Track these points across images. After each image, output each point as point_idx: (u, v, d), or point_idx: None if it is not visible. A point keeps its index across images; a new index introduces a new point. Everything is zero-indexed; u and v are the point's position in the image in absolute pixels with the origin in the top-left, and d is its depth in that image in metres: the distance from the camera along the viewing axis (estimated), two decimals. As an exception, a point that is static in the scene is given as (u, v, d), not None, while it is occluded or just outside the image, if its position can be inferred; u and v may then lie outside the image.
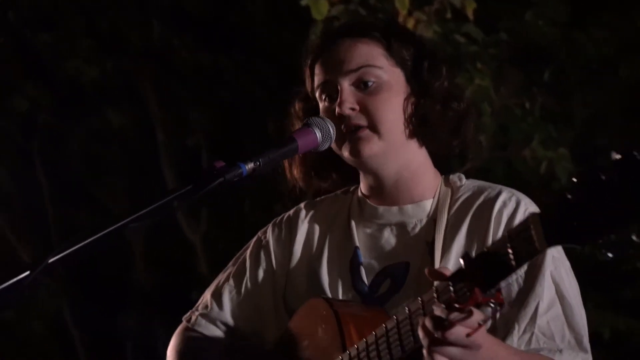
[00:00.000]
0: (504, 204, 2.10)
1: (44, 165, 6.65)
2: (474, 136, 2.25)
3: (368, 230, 2.20)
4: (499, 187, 2.16)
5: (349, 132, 2.14)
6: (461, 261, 1.74)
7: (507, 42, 5.36)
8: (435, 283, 1.82)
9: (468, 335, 1.74)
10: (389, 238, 2.18)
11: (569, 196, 1.56)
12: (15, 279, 1.74)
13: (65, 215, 6.80)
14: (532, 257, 1.65)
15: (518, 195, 2.13)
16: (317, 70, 2.22)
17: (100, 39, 6.41)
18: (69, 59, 6.26)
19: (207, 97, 6.86)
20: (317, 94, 2.22)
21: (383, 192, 2.20)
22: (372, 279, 2.15)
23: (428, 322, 1.78)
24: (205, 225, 6.93)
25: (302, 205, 2.33)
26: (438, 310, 1.76)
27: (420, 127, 2.15)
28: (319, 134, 2.13)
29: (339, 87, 2.16)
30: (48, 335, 7.32)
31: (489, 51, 5.20)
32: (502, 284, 1.73)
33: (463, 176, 2.22)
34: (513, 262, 1.67)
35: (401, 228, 2.17)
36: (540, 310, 2.02)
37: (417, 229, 2.16)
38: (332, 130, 2.14)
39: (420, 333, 1.80)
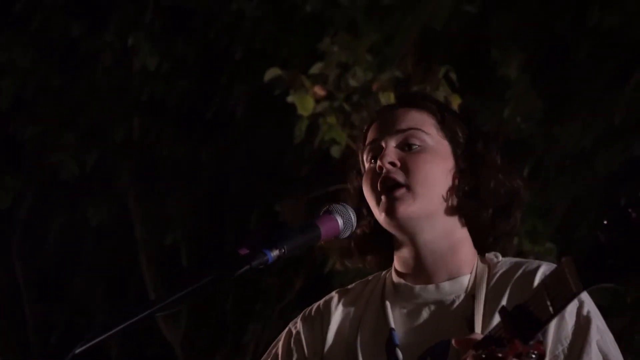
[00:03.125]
0: (544, 274, 2.07)
1: (21, 261, 6.56)
2: (517, 222, 2.19)
3: (404, 311, 2.17)
4: (537, 261, 2.14)
5: (384, 190, 2.12)
6: (498, 315, 1.74)
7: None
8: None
9: None
10: (426, 317, 2.14)
11: (601, 237, 1.57)
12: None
13: (42, 313, 6.68)
14: (569, 301, 1.64)
15: None
16: (369, 135, 2.23)
17: (80, 133, 6.43)
18: (52, 153, 6.25)
19: (187, 192, 6.85)
20: (364, 157, 2.22)
21: (418, 266, 2.17)
22: None
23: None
24: (184, 325, 6.83)
25: (333, 292, 2.31)
26: (476, 355, 1.75)
27: (465, 200, 2.13)
28: (340, 222, 2.12)
29: (383, 145, 2.17)
30: None
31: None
32: (542, 337, 1.74)
33: (499, 254, 2.20)
34: (550, 309, 1.66)
35: (439, 306, 2.13)
36: None
37: (455, 306, 2.12)
38: (353, 218, 2.13)
39: None
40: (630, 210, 1.54)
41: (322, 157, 5.76)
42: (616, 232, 1.55)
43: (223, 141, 6.70)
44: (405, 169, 2.12)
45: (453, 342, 1.79)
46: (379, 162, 2.13)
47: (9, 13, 6.38)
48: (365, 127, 2.26)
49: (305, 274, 6.22)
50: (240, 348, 6.45)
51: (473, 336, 1.79)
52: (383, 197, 2.12)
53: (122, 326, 1.79)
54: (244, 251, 1.97)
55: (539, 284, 1.69)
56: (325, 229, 2.10)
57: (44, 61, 6.44)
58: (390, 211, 2.11)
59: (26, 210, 6.55)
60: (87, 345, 1.75)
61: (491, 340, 1.74)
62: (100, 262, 6.90)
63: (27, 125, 6.40)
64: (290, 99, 4.97)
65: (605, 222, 1.56)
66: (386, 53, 5.61)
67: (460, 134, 2.19)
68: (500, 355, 1.71)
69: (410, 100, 2.25)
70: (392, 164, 2.13)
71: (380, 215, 2.14)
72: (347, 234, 2.14)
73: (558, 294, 1.65)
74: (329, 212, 2.13)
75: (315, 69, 5.02)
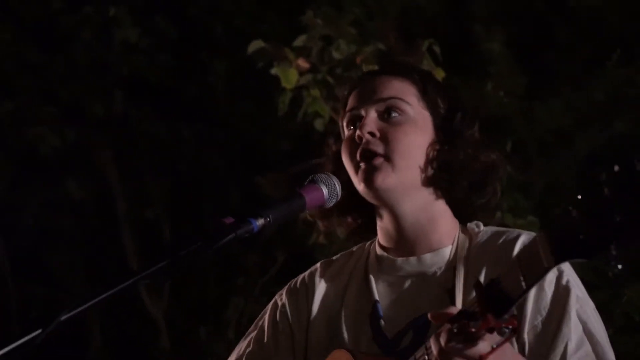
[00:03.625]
0: (523, 244, 2.08)
1: (2, 237, 6.52)
2: (496, 196, 2.20)
3: (388, 283, 2.18)
4: (517, 230, 2.15)
5: (363, 159, 2.12)
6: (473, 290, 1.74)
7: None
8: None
9: (482, 357, 1.73)
10: (409, 289, 2.15)
11: (574, 212, 1.57)
12: (27, 337, 1.69)
13: (22, 289, 6.65)
14: (542, 277, 1.65)
15: None
16: (349, 101, 2.22)
17: (61, 107, 6.38)
18: (30, 127, 6.20)
19: (168, 169, 6.83)
20: (344, 124, 2.21)
21: (400, 239, 2.18)
22: (394, 333, 2.12)
23: (442, 336, 1.77)
24: (167, 300, 6.82)
25: (317, 264, 2.32)
26: (449, 338, 1.76)
27: (440, 172, 2.13)
28: (325, 191, 2.12)
29: (363, 114, 2.16)
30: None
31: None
32: (516, 311, 1.72)
33: (481, 223, 2.21)
34: (523, 284, 1.66)
35: (421, 278, 2.15)
36: (570, 350, 2.00)
37: (436, 277, 2.13)
38: (338, 187, 2.13)
39: (432, 344, 1.79)
40: (602, 186, 1.54)
41: (304, 133, 5.75)
42: (588, 207, 1.55)
43: (204, 117, 6.68)
44: (385, 139, 2.12)
45: (429, 316, 1.80)
46: (357, 132, 2.12)
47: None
48: (346, 93, 2.25)
49: (287, 247, 6.22)
50: (223, 323, 6.46)
51: (448, 310, 1.79)
52: (362, 165, 2.12)
53: (106, 294, 1.78)
54: (229, 220, 1.97)
55: (513, 259, 1.69)
56: (310, 198, 2.09)
57: (23, 35, 6.37)
58: (369, 181, 2.11)
59: (6, 185, 6.50)
60: (73, 312, 1.73)
61: (465, 314, 1.75)
62: (80, 237, 6.86)
63: (5, 99, 6.33)
64: (273, 71, 4.93)
65: (578, 197, 1.56)
66: (369, 28, 5.59)
67: (441, 105, 2.18)
68: (473, 329, 1.72)
69: (392, 68, 2.24)
70: (372, 134, 2.12)
71: (359, 185, 2.15)
72: (332, 203, 2.13)
73: (530, 269, 1.65)
74: (314, 182, 2.13)
75: (299, 41, 4.98)
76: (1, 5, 6.36)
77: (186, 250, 1.89)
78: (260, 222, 1.97)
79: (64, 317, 1.72)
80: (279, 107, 5.05)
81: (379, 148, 2.11)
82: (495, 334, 1.72)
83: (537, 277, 1.65)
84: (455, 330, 1.74)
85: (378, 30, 5.52)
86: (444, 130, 2.16)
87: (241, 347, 2.30)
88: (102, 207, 6.82)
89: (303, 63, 5.05)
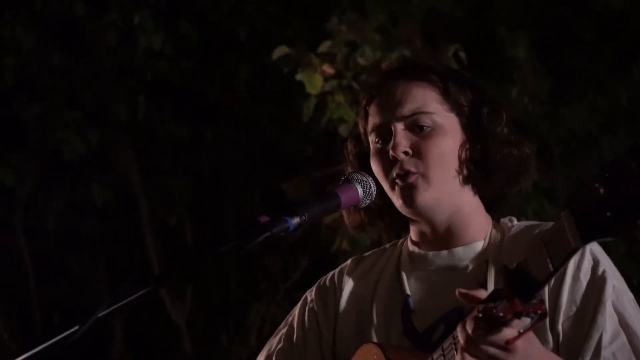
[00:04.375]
0: None
1: (26, 240, 6.55)
2: (528, 182, 2.19)
3: (419, 278, 2.18)
4: (551, 222, 2.14)
5: (401, 179, 2.12)
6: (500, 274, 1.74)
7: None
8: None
9: (508, 342, 1.71)
10: (440, 283, 2.14)
11: (600, 189, 1.53)
12: (65, 333, 1.69)
13: (45, 292, 6.68)
14: (569, 257, 1.61)
15: None
16: (372, 111, 2.21)
17: (84, 111, 6.41)
18: (56, 131, 6.23)
19: (190, 171, 6.84)
20: (370, 137, 2.21)
21: (433, 237, 2.18)
22: (425, 327, 2.11)
23: (468, 323, 1.76)
24: (189, 304, 6.83)
25: (349, 260, 2.33)
26: (476, 324, 1.75)
27: (476, 171, 2.13)
28: (360, 191, 2.12)
29: (392, 129, 2.15)
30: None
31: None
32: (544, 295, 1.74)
33: (514, 218, 2.20)
34: (550, 266, 1.63)
35: (452, 271, 2.15)
36: (604, 341, 1.98)
37: (468, 271, 2.13)
38: (372, 186, 2.13)
39: (459, 332, 1.78)
40: (629, 160, 1.51)
41: (326, 137, 5.75)
42: (615, 183, 1.52)
43: (226, 120, 6.69)
44: (418, 154, 2.12)
45: (457, 293, 1.79)
46: (391, 152, 2.12)
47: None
48: (365, 101, 2.24)
49: (311, 253, 6.21)
50: (245, 327, 6.45)
51: (477, 293, 1.78)
52: (399, 182, 2.12)
53: (142, 292, 1.78)
54: (264, 219, 1.97)
55: (539, 241, 1.67)
56: (345, 197, 2.10)
57: (47, 40, 6.41)
58: (409, 199, 2.12)
59: (30, 189, 6.53)
60: (110, 309, 1.73)
61: (493, 298, 1.73)
62: (102, 240, 6.89)
63: (31, 104, 6.37)
64: (298, 77, 4.95)
65: (605, 174, 1.53)
66: (393, 34, 5.59)
67: (464, 103, 2.17)
68: (500, 314, 1.70)
69: (409, 71, 2.22)
70: (405, 152, 2.12)
71: (397, 201, 2.15)
72: (367, 202, 2.14)
73: (557, 251, 1.62)
74: (349, 181, 2.13)
75: (324, 47, 4.99)
76: (26, 10, 6.40)
77: (224, 249, 1.89)
78: (296, 220, 1.97)
79: (101, 314, 1.72)
80: (304, 112, 5.06)
81: (413, 167, 2.11)
82: (522, 319, 1.69)
83: (564, 258, 1.61)
84: (481, 316, 1.73)
85: (403, 36, 5.52)
86: (472, 128, 2.16)
87: (272, 343, 2.31)
88: (125, 210, 6.83)
89: (328, 69, 5.07)
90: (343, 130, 5.02)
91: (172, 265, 1.86)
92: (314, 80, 4.92)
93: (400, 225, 2.26)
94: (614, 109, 6.15)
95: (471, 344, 1.76)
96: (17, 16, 6.38)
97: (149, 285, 1.79)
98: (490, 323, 1.71)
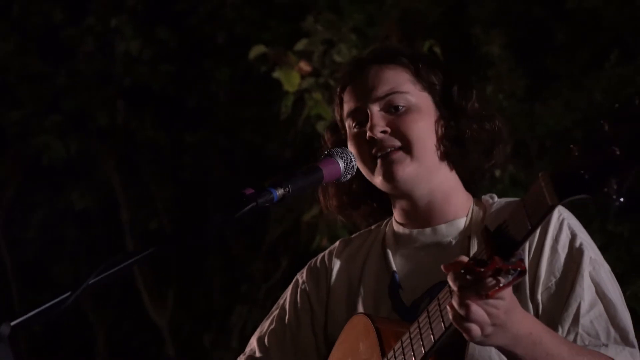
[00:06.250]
0: None
1: (7, 246, 6.54)
2: (505, 160, 2.27)
3: (404, 255, 2.24)
4: None
5: (381, 156, 2.17)
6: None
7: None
8: None
9: (488, 296, 1.76)
10: (425, 259, 2.20)
11: (575, 150, 1.60)
12: (57, 299, 1.73)
13: (28, 297, 6.66)
14: (546, 215, 1.66)
15: None
16: (346, 97, 2.27)
17: (64, 117, 6.42)
18: (36, 136, 6.24)
19: (171, 177, 6.86)
20: (347, 122, 2.27)
21: (416, 215, 2.24)
22: (412, 301, 2.15)
23: (452, 280, 1.81)
24: (171, 308, 6.83)
25: (337, 242, 2.39)
26: (460, 281, 1.80)
27: (452, 147, 2.19)
28: (342, 164, 2.17)
29: (368, 112, 2.21)
30: None
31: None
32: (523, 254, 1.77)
33: (495, 195, 2.26)
34: (528, 224, 1.69)
35: (436, 248, 2.20)
36: (582, 310, 2.04)
37: (452, 247, 2.19)
38: (353, 160, 2.18)
39: (448, 306, 1.82)
40: (603, 123, 1.57)
41: (306, 140, 5.79)
42: (590, 144, 1.58)
43: (206, 125, 6.72)
44: (397, 133, 2.18)
45: (442, 267, 1.84)
46: (369, 133, 2.17)
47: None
48: (339, 89, 2.29)
49: (291, 252, 6.24)
50: (227, 330, 6.46)
51: (459, 259, 1.83)
52: (379, 161, 2.18)
53: (133, 259, 1.81)
54: (249, 191, 2.01)
55: (518, 202, 1.72)
56: (327, 171, 2.15)
57: (26, 46, 6.42)
58: (388, 175, 2.17)
59: (11, 195, 6.53)
60: (100, 276, 1.77)
61: (475, 260, 1.78)
62: (84, 246, 6.88)
63: (10, 110, 6.37)
64: (276, 74, 4.98)
65: (581, 137, 1.59)
66: (369, 34, 5.64)
67: (436, 82, 2.24)
68: (481, 270, 1.74)
69: (380, 56, 2.28)
70: (384, 132, 2.18)
71: (376, 179, 2.20)
72: (348, 176, 2.19)
73: (535, 209, 1.67)
74: (330, 156, 2.18)
75: (301, 45, 5.03)
76: (4, 17, 6.42)
77: (210, 222, 1.93)
78: (280, 192, 2.02)
79: (91, 281, 1.76)
80: (282, 110, 5.09)
81: (394, 142, 2.17)
82: (503, 276, 1.75)
83: (542, 216, 1.67)
84: (463, 272, 1.78)
85: (379, 35, 5.57)
86: (445, 105, 2.22)
87: (264, 325, 2.36)
88: (106, 216, 6.84)
89: (305, 66, 5.10)
90: (321, 127, 5.06)
91: (160, 239, 1.90)
92: (291, 78, 4.96)
93: (380, 212, 2.32)
94: (588, 105, 6.22)
95: (456, 301, 1.80)
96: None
97: (137, 255, 1.83)
98: (473, 279, 1.76)
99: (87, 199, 6.58)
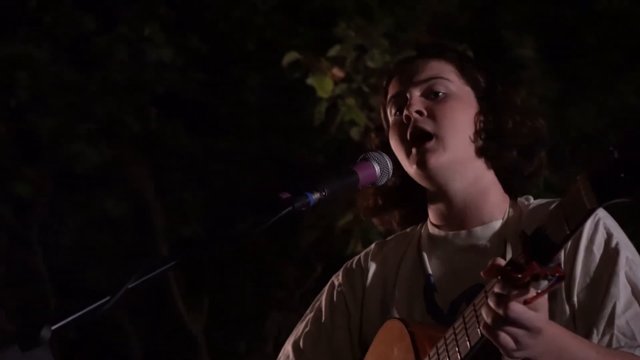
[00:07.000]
0: None
1: (43, 253, 6.60)
2: (542, 165, 2.23)
3: (440, 257, 2.21)
4: None
5: (414, 141, 2.15)
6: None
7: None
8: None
9: (527, 302, 1.73)
10: (461, 262, 2.18)
11: (615, 153, 1.56)
12: (96, 304, 1.73)
13: (64, 303, 6.71)
14: (585, 219, 1.63)
15: None
16: (390, 88, 2.26)
17: (97, 125, 6.47)
18: (70, 143, 6.30)
19: (203, 184, 6.89)
20: (389, 110, 2.25)
21: (451, 216, 2.21)
22: (448, 305, 2.14)
23: (490, 300, 1.78)
24: (206, 315, 6.85)
25: (373, 245, 2.37)
26: (497, 287, 1.77)
27: (489, 142, 2.16)
28: (377, 168, 2.15)
29: (408, 96, 2.19)
30: None
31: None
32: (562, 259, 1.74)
33: (531, 197, 2.23)
34: (567, 229, 1.66)
35: (472, 250, 2.17)
36: (618, 311, 2.01)
37: (487, 250, 2.15)
38: (389, 165, 2.16)
39: (484, 312, 1.80)
40: None
41: (338, 146, 5.79)
42: (629, 146, 1.55)
43: (238, 132, 6.74)
44: (433, 116, 2.15)
45: (482, 274, 1.81)
46: (405, 112, 2.16)
47: (24, 9, 6.44)
48: (385, 82, 2.29)
49: (325, 258, 6.24)
50: (262, 337, 6.47)
51: (496, 262, 1.80)
52: (413, 150, 2.15)
53: (172, 263, 1.81)
54: (285, 195, 2.00)
55: (557, 206, 1.69)
56: (362, 175, 2.13)
57: (59, 55, 6.49)
58: (422, 163, 2.14)
59: (45, 202, 6.58)
60: (140, 280, 1.77)
61: (513, 264, 1.75)
62: (118, 253, 6.92)
63: (44, 118, 6.44)
64: (309, 81, 4.98)
65: (619, 138, 1.56)
66: (400, 38, 5.64)
67: (480, 80, 2.22)
68: (519, 276, 1.72)
69: (428, 51, 2.27)
70: (419, 112, 2.15)
71: (411, 168, 2.17)
72: (384, 180, 2.17)
73: (573, 213, 1.64)
74: (366, 159, 2.16)
75: (333, 51, 5.03)
76: (38, 27, 6.49)
77: (245, 224, 1.93)
78: (316, 195, 2.01)
79: (131, 285, 1.76)
80: (315, 116, 5.08)
81: (428, 126, 2.14)
82: (541, 282, 1.72)
83: (581, 220, 1.64)
84: (500, 278, 1.76)
85: (411, 40, 5.56)
86: (487, 100, 2.20)
87: (298, 329, 2.35)
88: (140, 223, 6.87)
89: (338, 72, 5.10)
90: (354, 133, 5.05)
91: (195, 243, 1.90)
92: (325, 84, 4.95)
93: (414, 216, 2.30)
94: (621, 108, 6.18)
95: (491, 311, 1.78)
96: (28, 32, 6.46)
97: (175, 259, 1.83)
98: (510, 286, 1.74)
99: (120, 206, 6.62)
